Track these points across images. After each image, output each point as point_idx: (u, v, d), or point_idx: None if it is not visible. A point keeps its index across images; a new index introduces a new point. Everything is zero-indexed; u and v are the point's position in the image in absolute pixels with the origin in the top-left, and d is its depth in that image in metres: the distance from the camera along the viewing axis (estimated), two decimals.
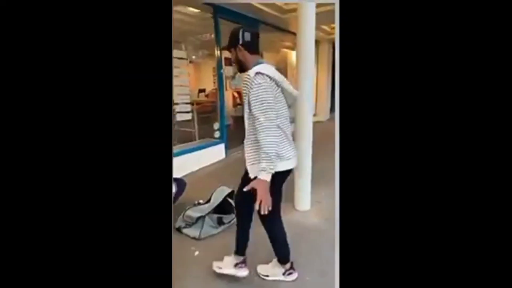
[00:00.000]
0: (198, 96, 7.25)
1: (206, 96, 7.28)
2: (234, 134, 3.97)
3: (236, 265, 1.47)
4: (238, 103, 5.60)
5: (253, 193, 1.14)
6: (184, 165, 3.05)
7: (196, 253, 1.75)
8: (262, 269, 1.52)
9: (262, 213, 1.13)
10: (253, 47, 1.27)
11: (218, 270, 1.51)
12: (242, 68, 1.28)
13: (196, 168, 3.22)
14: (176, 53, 3.15)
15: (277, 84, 1.22)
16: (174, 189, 2.05)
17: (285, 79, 1.26)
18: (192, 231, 1.91)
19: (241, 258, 1.47)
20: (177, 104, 3.65)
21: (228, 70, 3.95)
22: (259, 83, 1.13)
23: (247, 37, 1.24)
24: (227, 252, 1.53)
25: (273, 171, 1.11)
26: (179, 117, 3.71)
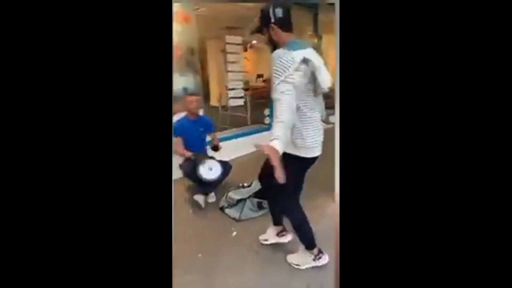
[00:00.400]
0: (256, 81, 7.35)
1: (264, 81, 7.32)
2: None
3: (278, 234, 1.53)
4: None
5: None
6: (234, 149, 3.16)
7: (234, 233, 1.82)
8: (292, 258, 1.51)
9: (280, 181, 1.04)
10: (287, 24, 1.17)
11: (264, 242, 1.62)
12: (275, 48, 1.18)
13: (245, 153, 3.30)
14: (231, 38, 3.21)
15: (313, 70, 1.12)
16: (219, 171, 2.15)
17: (322, 65, 1.16)
18: (233, 212, 1.99)
19: (280, 227, 1.56)
20: (231, 89, 3.76)
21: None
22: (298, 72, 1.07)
23: (278, 13, 1.14)
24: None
25: (286, 141, 1.04)
26: (232, 102, 3.83)
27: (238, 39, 3.26)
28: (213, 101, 5.87)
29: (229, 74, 3.85)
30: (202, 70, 6.30)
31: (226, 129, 3.66)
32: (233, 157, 3.07)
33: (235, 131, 3.51)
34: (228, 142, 3.10)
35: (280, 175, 0.99)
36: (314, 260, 1.44)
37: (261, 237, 1.67)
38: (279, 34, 1.16)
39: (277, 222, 1.60)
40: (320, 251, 1.45)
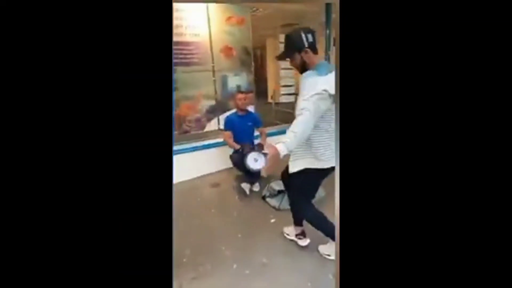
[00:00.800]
0: None
1: None
2: None
3: (296, 235, 1.62)
4: None
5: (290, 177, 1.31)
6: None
7: (272, 220, 1.97)
8: (322, 249, 1.58)
9: (262, 174, 1.21)
10: (315, 48, 1.26)
11: (286, 236, 1.74)
12: (304, 70, 1.29)
13: None
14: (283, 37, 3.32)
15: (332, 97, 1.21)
16: (264, 163, 2.31)
17: None
18: (273, 201, 2.14)
19: (300, 229, 1.63)
20: (283, 86, 3.86)
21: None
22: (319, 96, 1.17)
23: (310, 38, 1.23)
24: (309, 227, 1.72)
25: (291, 149, 1.14)
26: (283, 99, 3.93)
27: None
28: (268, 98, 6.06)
29: (282, 71, 3.97)
30: (261, 68, 6.49)
31: (277, 124, 3.80)
32: None
33: (284, 126, 3.62)
34: (275, 137, 3.24)
35: (268, 169, 1.13)
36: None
37: (285, 229, 1.77)
38: (311, 57, 1.25)
39: (296, 222, 1.66)
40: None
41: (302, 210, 1.53)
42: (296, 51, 1.26)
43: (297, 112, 1.20)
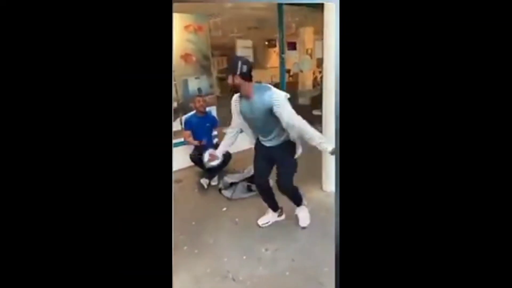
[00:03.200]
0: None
1: (291, 76, 7.58)
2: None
3: (278, 216, 2.01)
4: (318, 83, 5.69)
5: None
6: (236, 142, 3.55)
7: (224, 209, 2.26)
8: (261, 220, 1.99)
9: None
10: (248, 76, 1.52)
11: (266, 225, 1.99)
12: (237, 92, 1.59)
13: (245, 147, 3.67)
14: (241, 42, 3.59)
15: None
16: (220, 160, 2.60)
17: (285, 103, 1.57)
18: (226, 192, 2.42)
19: (279, 210, 2.01)
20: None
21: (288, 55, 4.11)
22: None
23: (244, 68, 1.47)
24: (250, 214, 2.03)
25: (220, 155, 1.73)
26: None
27: (248, 42, 3.62)
28: None
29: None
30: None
31: None
32: (235, 149, 3.47)
33: None
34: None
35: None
36: (278, 216, 2.00)
37: (261, 221, 1.99)
38: (241, 83, 1.51)
39: (275, 207, 1.97)
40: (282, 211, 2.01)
41: (291, 181, 1.78)
42: (230, 73, 1.50)
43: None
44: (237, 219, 2.07)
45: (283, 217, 2.01)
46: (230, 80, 1.52)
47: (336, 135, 0.66)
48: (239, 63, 1.49)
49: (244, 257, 1.68)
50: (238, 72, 1.49)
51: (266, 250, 1.73)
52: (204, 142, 2.70)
